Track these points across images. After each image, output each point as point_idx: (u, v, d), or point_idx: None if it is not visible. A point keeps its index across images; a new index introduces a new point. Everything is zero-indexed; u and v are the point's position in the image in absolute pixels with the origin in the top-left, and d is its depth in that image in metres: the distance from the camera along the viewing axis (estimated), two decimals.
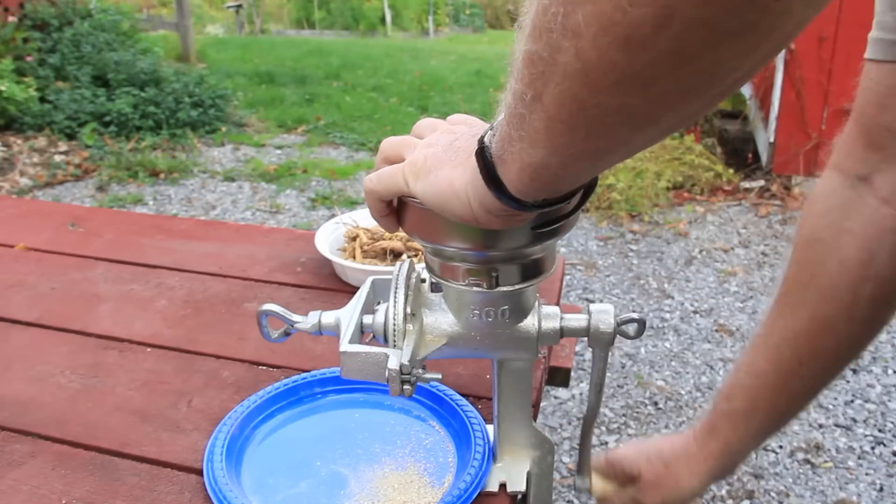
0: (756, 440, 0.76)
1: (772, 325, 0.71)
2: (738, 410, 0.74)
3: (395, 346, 0.59)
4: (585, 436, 0.76)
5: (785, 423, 0.77)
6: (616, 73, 0.31)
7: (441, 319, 0.63)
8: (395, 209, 0.56)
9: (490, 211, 0.46)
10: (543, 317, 0.63)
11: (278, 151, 4.92)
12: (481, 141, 0.44)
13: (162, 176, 4.33)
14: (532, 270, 0.58)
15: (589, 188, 0.48)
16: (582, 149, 0.38)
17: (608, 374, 2.39)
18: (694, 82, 0.32)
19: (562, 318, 0.64)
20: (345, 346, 0.60)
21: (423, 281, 0.66)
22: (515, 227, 0.50)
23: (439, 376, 0.60)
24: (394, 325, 0.59)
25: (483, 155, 0.44)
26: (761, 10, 0.28)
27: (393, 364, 0.57)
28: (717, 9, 0.28)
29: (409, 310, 0.60)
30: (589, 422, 0.73)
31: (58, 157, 4.48)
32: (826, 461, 2.00)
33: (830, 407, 2.22)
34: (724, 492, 1.89)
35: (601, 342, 0.64)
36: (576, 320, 0.64)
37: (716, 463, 0.76)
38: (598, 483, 0.83)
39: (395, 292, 0.60)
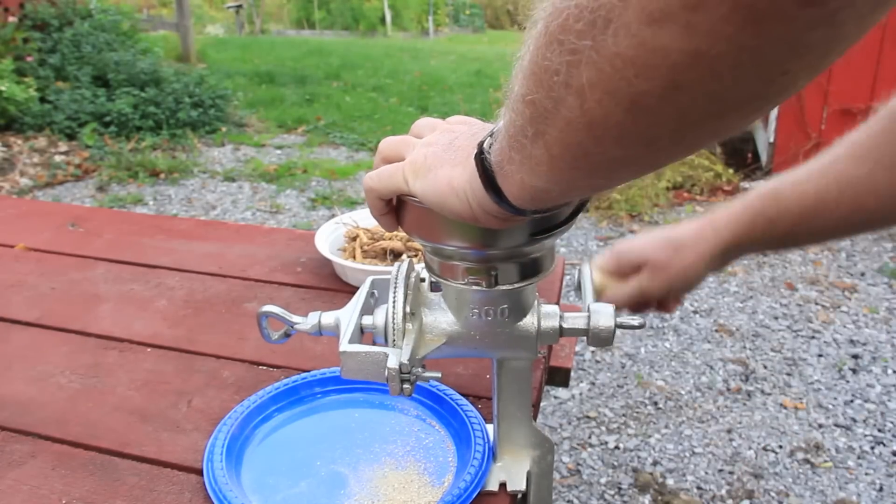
0: (759, 247, 0.79)
1: (834, 162, 0.73)
2: (766, 214, 0.76)
3: (394, 345, 0.60)
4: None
5: (787, 248, 0.81)
6: (621, 130, 0.31)
7: (440, 318, 0.63)
8: (395, 208, 0.56)
9: (489, 212, 0.47)
10: (543, 316, 0.63)
11: (278, 151, 4.92)
12: (480, 146, 0.44)
13: (162, 176, 4.33)
14: (531, 269, 0.58)
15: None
16: (585, 183, 0.38)
17: (607, 374, 2.40)
18: (697, 140, 0.32)
19: (561, 318, 0.64)
20: (344, 345, 0.60)
21: (423, 280, 0.66)
22: (514, 226, 0.50)
23: (438, 375, 0.60)
24: (393, 324, 0.59)
25: (482, 161, 0.44)
26: (768, 83, 0.28)
27: (392, 363, 0.57)
28: (726, 83, 0.28)
29: (408, 309, 0.60)
30: None
31: (58, 158, 4.48)
32: (826, 461, 2.00)
33: (830, 407, 2.22)
34: (723, 492, 1.89)
35: (600, 342, 0.64)
36: (575, 319, 0.64)
37: (721, 250, 0.78)
38: (600, 280, 0.84)
39: (395, 291, 0.60)
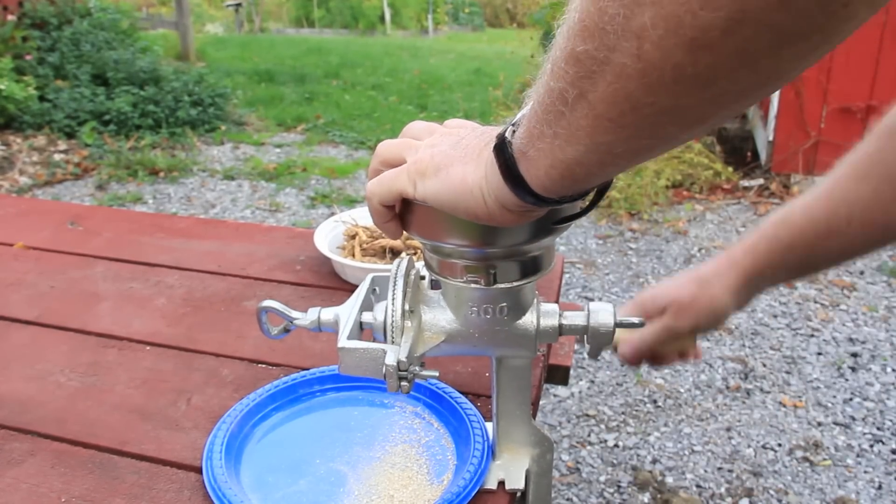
0: (780, 275, 0.79)
1: (839, 183, 0.74)
2: (781, 240, 0.76)
3: (393, 342, 0.59)
4: None
5: (807, 274, 0.81)
6: (677, 73, 0.31)
7: (439, 316, 0.63)
8: (398, 213, 0.56)
9: (506, 206, 0.46)
10: (542, 314, 0.63)
11: (278, 150, 4.92)
12: (501, 136, 0.44)
13: (161, 174, 4.33)
14: (530, 268, 0.58)
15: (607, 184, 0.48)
16: (625, 147, 0.38)
17: (607, 373, 2.40)
18: (751, 83, 0.32)
19: (561, 316, 0.64)
20: (343, 342, 0.60)
21: (422, 278, 0.66)
22: (520, 224, 0.50)
23: (436, 374, 0.60)
24: (392, 321, 0.59)
25: (503, 150, 0.44)
26: (830, 15, 0.28)
27: (390, 360, 0.57)
28: (790, 13, 0.28)
29: (407, 306, 0.60)
30: None
31: (57, 156, 4.48)
32: (825, 459, 2.00)
33: (829, 405, 2.22)
34: (722, 490, 1.89)
35: (600, 341, 0.64)
36: (575, 318, 0.64)
37: (743, 281, 0.79)
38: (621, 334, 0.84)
39: (394, 289, 0.60)
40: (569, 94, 0.36)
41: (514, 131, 0.43)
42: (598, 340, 0.63)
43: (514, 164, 0.43)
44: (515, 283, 0.58)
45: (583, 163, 0.39)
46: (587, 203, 0.50)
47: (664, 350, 0.85)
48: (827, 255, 0.76)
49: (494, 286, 0.57)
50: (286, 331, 0.71)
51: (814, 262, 0.78)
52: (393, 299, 0.60)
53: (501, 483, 0.71)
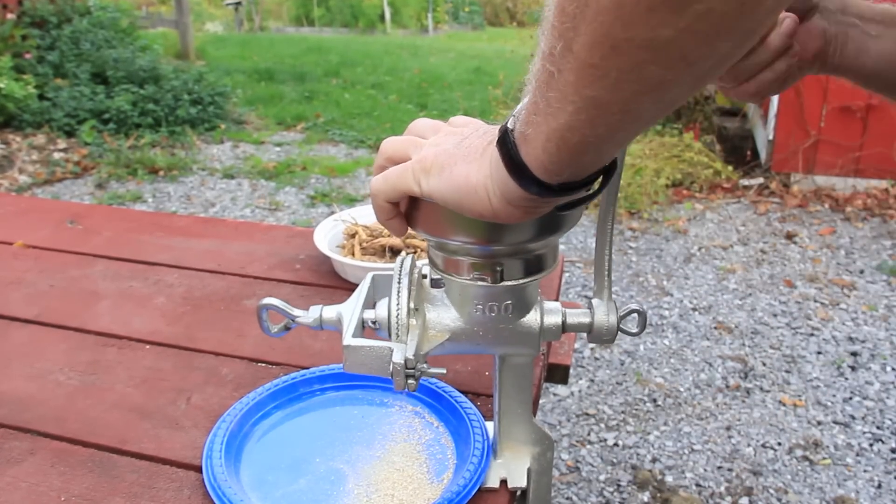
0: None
1: None
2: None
3: (398, 340, 0.59)
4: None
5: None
6: (650, 2, 0.32)
7: (444, 315, 0.62)
8: (402, 211, 0.56)
9: (511, 202, 0.46)
10: (546, 312, 0.63)
11: (277, 149, 4.91)
12: (503, 129, 0.45)
13: (161, 173, 4.32)
14: (535, 265, 0.58)
15: (609, 170, 0.47)
16: (611, 98, 0.37)
17: (607, 372, 2.39)
18: (724, 9, 0.32)
19: (564, 314, 0.64)
20: (348, 339, 0.60)
21: (424, 277, 0.66)
22: (529, 220, 0.50)
23: (443, 371, 0.60)
24: (397, 319, 0.59)
25: (505, 141, 0.44)
26: None
27: (398, 358, 0.57)
28: None
29: (412, 304, 0.60)
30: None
31: (57, 155, 4.47)
32: (824, 458, 2.00)
33: (829, 404, 2.22)
34: (722, 489, 1.89)
35: (602, 339, 0.63)
36: (578, 316, 0.64)
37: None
38: None
39: (399, 286, 0.60)
40: (556, 49, 0.37)
41: (516, 118, 0.44)
42: (601, 339, 0.63)
43: (516, 152, 0.43)
44: (521, 281, 0.58)
45: (574, 126, 0.39)
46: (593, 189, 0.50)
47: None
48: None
49: (501, 283, 0.57)
50: (287, 329, 0.70)
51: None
52: (398, 297, 0.59)
53: (503, 482, 0.70)
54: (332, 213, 2.95)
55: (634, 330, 0.64)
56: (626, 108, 0.38)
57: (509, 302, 0.60)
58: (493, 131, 0.49)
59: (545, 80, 0.39)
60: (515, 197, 0.45)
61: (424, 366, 0.59)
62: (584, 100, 0.38)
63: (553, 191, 0.44)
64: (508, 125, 0.44)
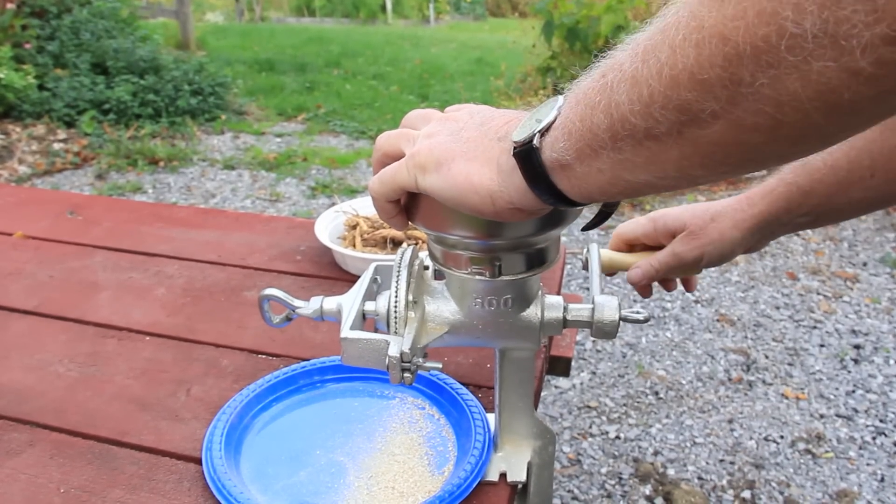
0: (795, 222, 0.78)
1: (864, 133, 0.74)
2: (800, 186, 0.75)
3: (396, 333, 0.59)
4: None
5: (823, 222, 0.79)
6: (809, 131, 0.32)
7: (443, 307, 0.62)
8: (402, 205, 0.55)
9: (522, 209, 0.45)
10: (546, 307, 0.63)
11: (278, 140, 4.90)
12: (525, 144, 0.43)
13: (161, 164, 4.32)
14: (536, 260, 0.57)
15: None
16: (708, 177, 0.37)
17: (608, 364, 2.39)
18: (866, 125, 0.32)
19: (565, 309, 0.63)
20: (346, 332, 0.60)
21: (426, 268, 0.66)
22: (520, 220, 0.50)
23: (439, 365, 0.60)
24: (395, 311, 0.59)
25: (531, 160, 0.42)
26: None
27: (393, 351, 0.57)
28: None
29: (411, 297, 0.60)
30: None
31: (56, 145, 4.47)
32: (827, 451, 2.00)
33: (832, 397, 2.22)
34: (724, 482, 1.89)
35: (604, 334, 0.63)
36: (579, 311, 0.63)
37: (756, 222, 0.78)
38: (612, 258, 0.84)
39: (398, 279, 0.59)
40: (661, 133, 0.35)
41: (541, 137, 0.42)
42: (603, 334, 0.63)
43: (546, 174, 0.42)
44: (521, 276, 0.57)
45: (654, 185, 0.39)
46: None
47: (669, 276, 0.85)
48: (846, 205, 0.75)
49: (499, 278, 0.57)
50: (288, 319, 0.70)
51: (832, 211, 0.77)
52: (396, 289, 0.59)
53: (503, 475, 0.70)
54: (333, 204, 2.95)
55: (640, 317, 0.64)
56: (713, 179, 0.38)
57: (509, 296, 0.60)
58: (494, 125, 0.47)
59: (631, 146, 0.37)
60: (527, 205, 0.45)
61: (420, 360, 0.59)
62: (684, 174, 0.37)
63: (578, 204, 0.44)
64: (534, 143, 0.42)
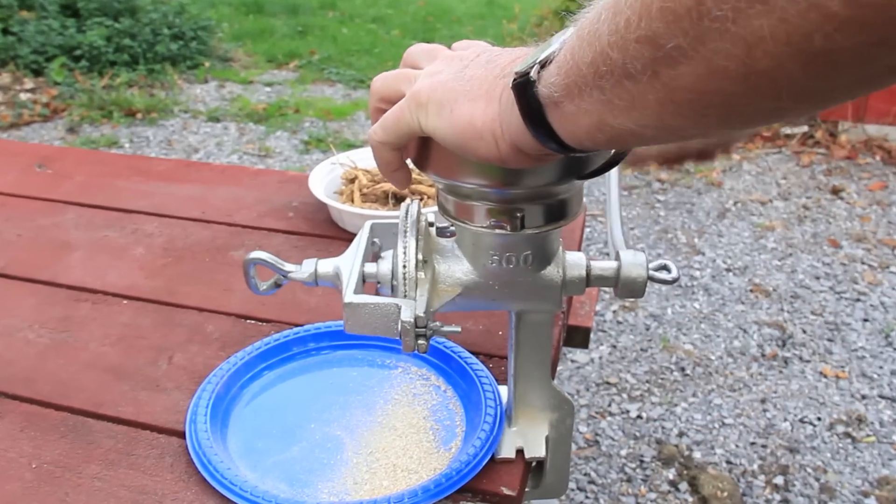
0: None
1: None
2: None
3: (405, 296, 0.58)
4: None
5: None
6: (789, 84, 0.31)
7: (455, 267, 0.61)
8: (413, 155, 0.55)
9: (523, 151, 0.45)
10: (568, 265, 0.62)
11: (268, 89, 4.88)
12: (523, 74, 0.42)
13: (139, 116, 4.30)
14: (559, 212, 0.57)
15: None
16: (693, 130, 0.37)
17: (630, 337, 2.40)
18: (859, 85, 0.31)
19: (589, 266, 0.63)
20: (349, 296, 0.59)
21: (431, 225, 0.65)
22: (530, 167, 0.49)
23: (458, 329, 0.59)
24: (405, 272, 0.58)
25: (527, 94, 0.42)
26: None
27: (407, 316, 0.56)
28: None
29: (420, 256, 0.59)
30: None
31: (23, 96, 4.45)
32: (868, 435, 2.01)
33: (875, 376, 2.22)
34: (755, 466, 1.90)
35: (631, 292, 0.62)
36: (604, 268, 0.63)
37: None
38: None
39: (406, 236, 0.59)
40: (637, 70, 0.35)
41: (539, 69, 0.42)
42: (630, 292, 0.62)
43: (541, 111, 0.42)
44: (543, 229, 0.56)
45: (637, 133, 0.39)
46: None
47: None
48: None
49: (521, 231, 0.56)
50: (277, 286, 0.69)
51: None
52: (405, 248, 0.58)
53: (519, 451, 0.70)
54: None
55: (670, 277, 0.63)
56: (700, 133, 0.38)
57: (528, 252, 0.59)
58: (500, 62, 0.47)
59: (610, 84, 0.37)
60: (529, 147, 0.44)
61: (437, 324, 0.58)
62: (664, 123, 0.37)
63: (575, 151, 0.44)
64: (531, 75, 0.42)
